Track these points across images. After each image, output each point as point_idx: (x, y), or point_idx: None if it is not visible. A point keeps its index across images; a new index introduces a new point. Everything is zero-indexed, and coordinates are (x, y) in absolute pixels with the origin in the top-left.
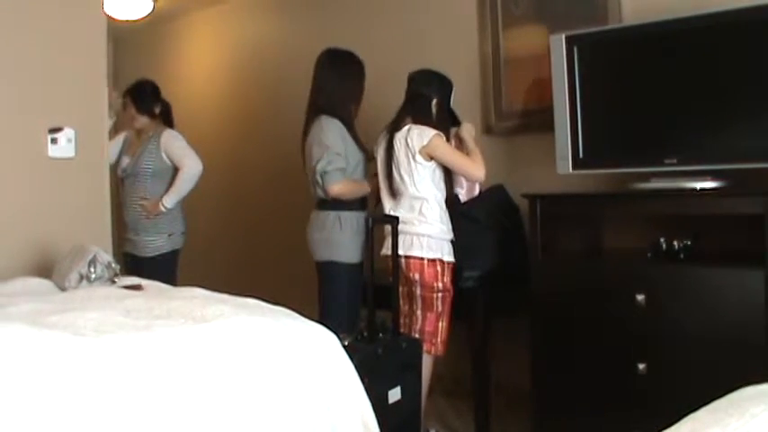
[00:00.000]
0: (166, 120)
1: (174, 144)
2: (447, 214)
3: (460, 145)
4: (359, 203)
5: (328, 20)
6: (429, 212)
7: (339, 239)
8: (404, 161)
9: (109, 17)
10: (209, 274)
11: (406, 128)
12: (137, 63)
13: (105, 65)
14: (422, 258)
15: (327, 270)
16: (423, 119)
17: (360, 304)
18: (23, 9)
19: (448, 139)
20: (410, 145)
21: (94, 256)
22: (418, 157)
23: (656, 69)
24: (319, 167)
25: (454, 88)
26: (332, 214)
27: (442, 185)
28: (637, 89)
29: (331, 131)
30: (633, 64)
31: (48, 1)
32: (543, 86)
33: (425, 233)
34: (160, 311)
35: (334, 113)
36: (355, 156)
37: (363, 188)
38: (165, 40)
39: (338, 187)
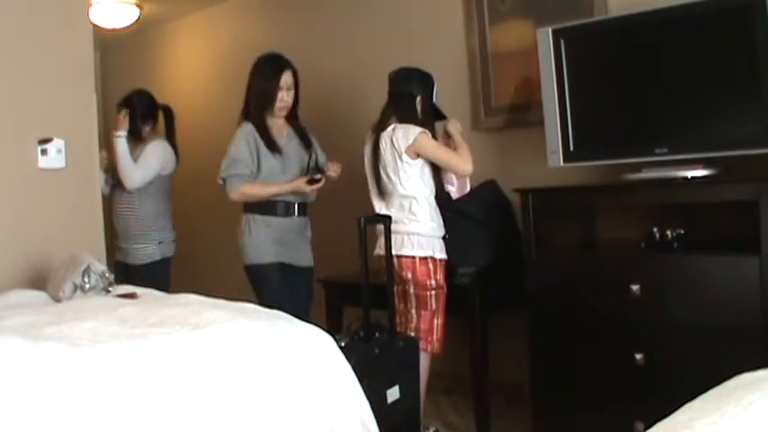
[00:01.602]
0: (169, 127)
1: (147, 152)
2: (437, 211)
3: (449, 141)
4: (274, 208)
5: (315, 20)
6: (419, 211)
7: (247, 243)
8: (390, 161)
9: (95, 26)
10: (206, 280)
11: (391, 127)
12: (124, 71)
13: (93, 74)
14: (413, 257)
15: (247, 275)
16: (408, 117)
17: (310, 303)
18: (9, 21)
19: (434, 136)
20: (396, 144)
21: (88, 265)
22: (405, 156)
23: (644, 60)
24: (220, 174)
25: (437, 83)
26: (244, 218)
27: (431, 183)
28: (625, 80)
29: (236, 138)
30: (621, 55)
31: (34, 12)
32: (531, 80)
33: (416, 232)
34: (155, 319)
35: (249, 119)
36: (268, 161)
37: (269, 190)
38: (151, 46)
39: (235, 194)
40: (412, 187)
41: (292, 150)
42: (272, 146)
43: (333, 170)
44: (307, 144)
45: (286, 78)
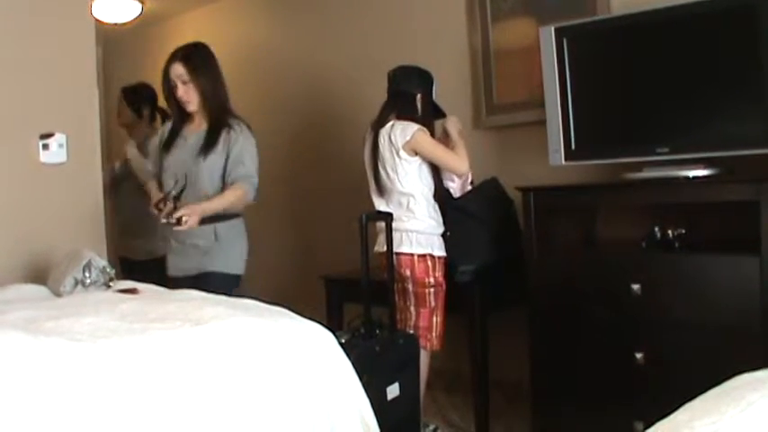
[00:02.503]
0: None
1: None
2: (436, 208)
3: (447, 139)
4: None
5: (318, 17)
6: (417, 208)
7: None
8: (389, 158)
9: (97, 21)
10: None
11: (390, 124)
12: (126, 66)
13: (95, 69)
14: (411, 255)
15: None
16: (407, 116)
17: None
18: (11, 15)
19: (433, 134)
20: (393, 141)
21: (89, 260)
22: (402, 153)
23: (646, 59)
24: None
25: (439, 81)
26: None
27: (430, 180)
28: (627, 79)
29: None
30: (623, 54)
31: (36, 6)
32: (534, 79)
33: (414, 229)
34: (156, 315)
35: None
36: (162, 161)
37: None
38: (154, 42)
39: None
40: (410, 184)
41: (182, 152)
42: (164, 145)
43: (180, 214)
44: (206, 146)
45: (174, 71)
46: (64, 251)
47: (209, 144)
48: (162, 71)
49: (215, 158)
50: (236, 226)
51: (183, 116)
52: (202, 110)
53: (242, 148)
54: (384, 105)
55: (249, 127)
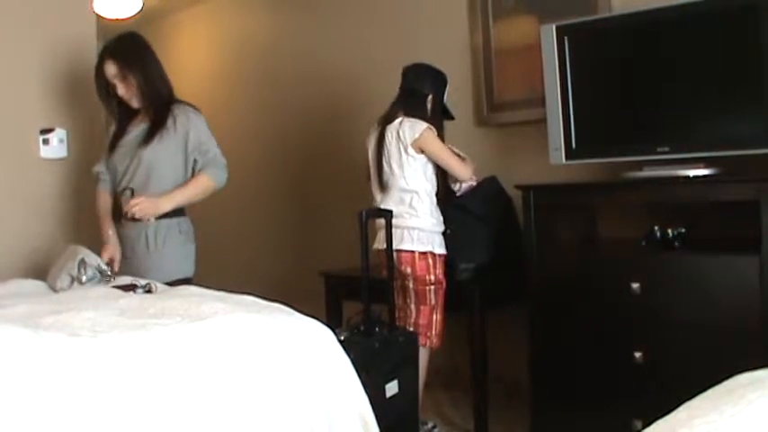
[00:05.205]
0: None
1: None
2: (437, 207)
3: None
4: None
5: (317, 15)
6: (419, 205)
7: None
8: (395, 153)
9: (98, 16)
10: (205, 273)
11: (398, 120)
12: None
13: (95, 64)
14: (412, 252)
15: None
16: (416, 114)
17: None
18: (12, 10)
19: (440, 134)
20: (402, 137)
21: (83, 258)
22: (410, 150)
23: (647, 58)
24: None
25: (448, 82)
26: None
27: (434, 178)
28: (628, 78)
29: None
30: (624, 53)
31: (37, 2)
32: (535, 77)
33: (416, 226)
34: (155, 310)
35: None
36: (109, 158)
37: None
38: (154, 38)
39: None
40: (414, 182)
41: (125, 148)
42: (109, 145)
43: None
44: (146, 138)
45: (108, 70)
46: (63, 247)
47: (149, 136)
48: (95, 70)
49: (161, 150)
50: (174, 227)
51: (129, 113)
52: (143, 103)
53: (198, 131)
54: (394, 101)
55: (195, 108)
